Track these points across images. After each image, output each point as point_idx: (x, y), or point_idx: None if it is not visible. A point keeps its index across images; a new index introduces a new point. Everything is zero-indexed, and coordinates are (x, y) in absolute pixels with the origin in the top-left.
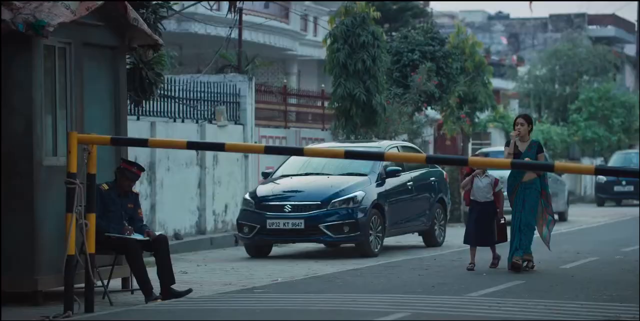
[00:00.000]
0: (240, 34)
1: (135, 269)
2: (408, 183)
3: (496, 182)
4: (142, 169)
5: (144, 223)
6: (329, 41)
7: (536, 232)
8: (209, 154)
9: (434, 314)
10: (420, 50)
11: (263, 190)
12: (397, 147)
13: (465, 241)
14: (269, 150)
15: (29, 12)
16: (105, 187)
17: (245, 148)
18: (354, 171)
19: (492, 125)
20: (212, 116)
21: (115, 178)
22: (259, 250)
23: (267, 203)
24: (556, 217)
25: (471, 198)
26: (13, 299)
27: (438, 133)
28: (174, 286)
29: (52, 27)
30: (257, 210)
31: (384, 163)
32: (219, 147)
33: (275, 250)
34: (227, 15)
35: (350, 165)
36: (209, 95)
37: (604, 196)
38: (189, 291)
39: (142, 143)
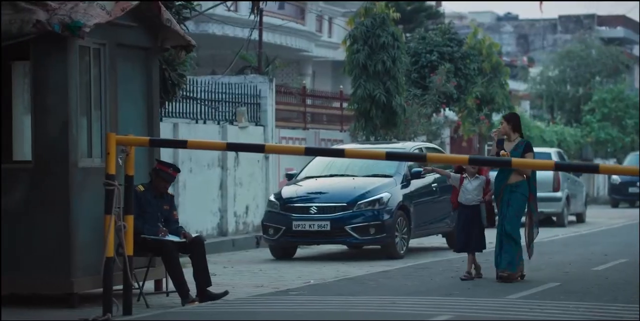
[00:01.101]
0: (260, 35)
1: (171, 271)
2: (432, 185)
3: (488, 181)
4: (177, 170)
5: (180, 225)
6: (348, 42)
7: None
8: (230, 155)
9: (478, 316)
10: (438, 51)
11: (288, 191)
12: (421, 148)
13: (457, 250)
14: (309, 152)
15: (64, 13)
16: (141, 188)
17: (286, 150)
18: (379, 172)
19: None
20: (233, 117)
21: (151, 179)
22: (283, 251)
23: (292, 204)
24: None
25: (459, 200)
26: (47, 301)
27: (454, 135)
28: (209, 289)
29: (88, 28)
30: (282, 211)
31: (409, 164)
32: (259, 148)
33: (299, 251)
34: (249, 16)
35: (375, 166)
36: (230, 96)
37: (618, 197)
38: (226, 293)
39: (180, 144)
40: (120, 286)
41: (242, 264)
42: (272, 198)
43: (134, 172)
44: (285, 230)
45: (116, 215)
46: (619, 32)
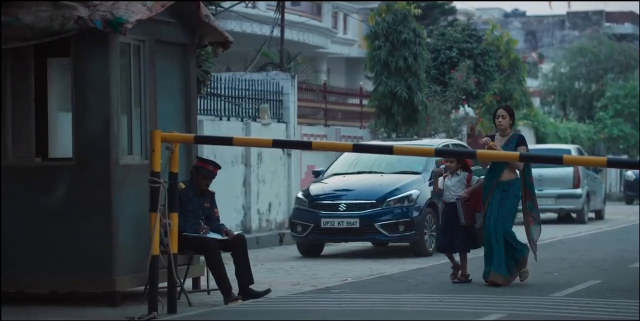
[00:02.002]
0: (282, 32)
1: (214, 269)
2: None
3: (469, 176)
4: (218, 167)
5: (221, 222)
6: (369, 39)
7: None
8: (254, 152)
9: (530, 315)
10: (458, 48)
11: (316, 188)
12: (448, 144)
13: (438, 250)
14: (357, 149)
15: (106, 9)
16: (182, 185)
17: (333, 146)
18: (407, 169)
19: (522, 123)
20: (256, 114)
21: (191, 177)
22: (311, 249)
23: (320, 202)
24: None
25: (442, 199)
26: (86, 300)
27: (472, 132)
28: (251, 287)
29: (130, 24)
30: (310, 209)
31: (436, 160)
32: (305, 145)
33: (325, 249)
34: (274, 13)
35: (402, 162)
36: (253, 93)
37: (632, 194)
38: (268, 291)
39: (225, 141)
40: (162, 285)
41: (271, 262)
42: (300, 195)
43: (178, 169)
44: (313, 227)
45: (161, 213)
46: (627, 28)
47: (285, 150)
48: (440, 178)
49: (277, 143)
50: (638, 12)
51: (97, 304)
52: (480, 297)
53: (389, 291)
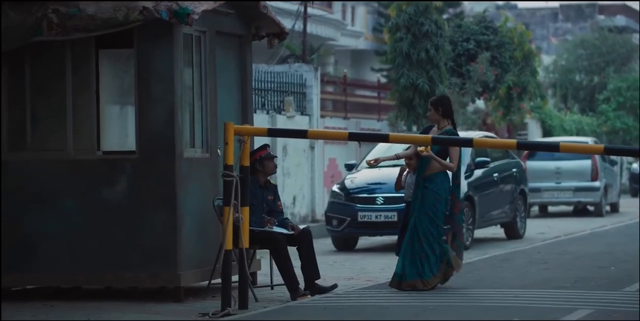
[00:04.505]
0: (305, 24)
1: (281, 264)
2: (494, 175)
3: None
4: (268, 146)
5: (285, 216)
6: (390, 31)
7: None
8: (279, 145)
9: (616, 311)
10: (475, 40)
11: (351, 182)
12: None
13: (397, 252)
14: (436, 141)
15: (171, 0)
16: None
17: (410, 139)
18: None
19: (530, 116)
20: (281, 106)
21: (253, 170)
22: (345, 243)
23: (357, 195)
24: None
25: (404, 198)
26: (147, 295)
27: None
28: (317, 282)
29: (196, 15)
30: (347, 202)
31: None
32: (382, 138)
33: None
34: (298, 7)
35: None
36: (277, 85)
37: (638, 186)
38: (335, 286)
39: (300, 134)
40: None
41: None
42: (335, 188)
43: (248, 163)
44: (350, 221)
45: (234, 207)
46: (620, 20)
47: (310, 142)
48: (404, 174)
49: (353, 136)
50: (629, 4)
51: (157, 300)
52: (555, 292)
53: (454, 287)
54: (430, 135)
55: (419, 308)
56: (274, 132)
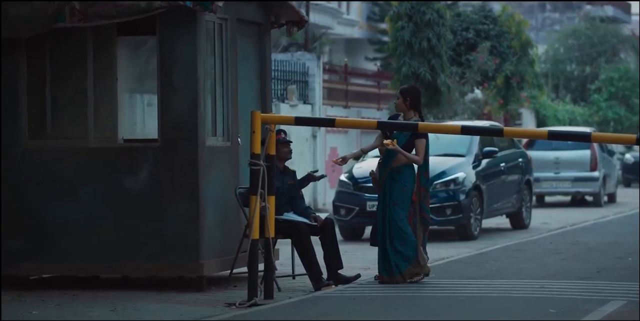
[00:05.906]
0: (307, 12)
1: (305, 254)
2: (501, 165)
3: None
4: (283, 131)
5: (308, 205)
6: (391, 20)
7: None
8: None
9: None
10: (474, 29)
11: (359, 171)
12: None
13: (372, 243)
14: (465, 131)
15: None
16: None
17: (440, 129)
18: (451, 151)
19: (528, 103)
20: (284, 95)
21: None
22: (353, 232)
23: (365, 184)
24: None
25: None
26: (166, 285)
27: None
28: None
29: (221, 3)
30: (355, 191)
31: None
32: (412, 127)
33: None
34: None
35: (445, 145)
36: (280, 73)
37: (631, 177)
38: (358, 276)
39: (327, 123)
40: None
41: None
42: (343, 178)
43: (274, 151)
44: (358, 210)
45: (261, 196)
46: (609, 11)
47: (312, 131)
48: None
49: (381, 125)
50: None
51: (178, 289)
52: (577, 283)
53: (474, 277)
54: (459, 125)
55: (450, 299)
56: (301, 121)
